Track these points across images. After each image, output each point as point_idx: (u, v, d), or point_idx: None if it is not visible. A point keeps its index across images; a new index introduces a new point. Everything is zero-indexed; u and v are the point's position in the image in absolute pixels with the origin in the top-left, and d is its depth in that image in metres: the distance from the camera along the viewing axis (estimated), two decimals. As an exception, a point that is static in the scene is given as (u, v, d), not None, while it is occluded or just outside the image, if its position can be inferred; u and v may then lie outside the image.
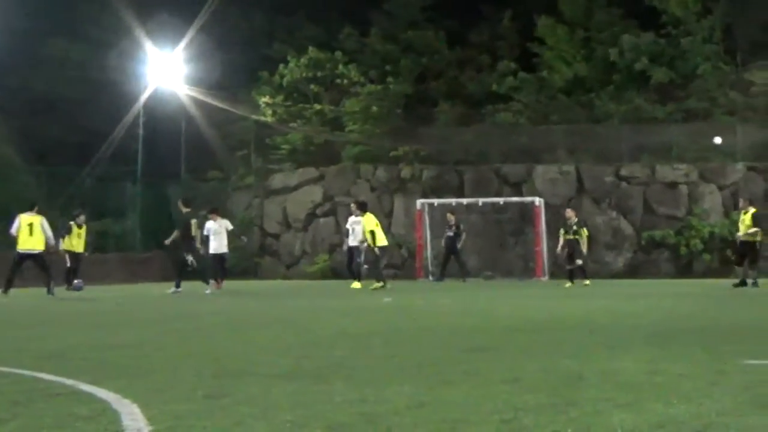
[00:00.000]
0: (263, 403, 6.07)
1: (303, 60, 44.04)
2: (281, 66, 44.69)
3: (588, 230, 30.91)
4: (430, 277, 36.38)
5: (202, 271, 28.51)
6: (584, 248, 29.80)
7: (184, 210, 27.26)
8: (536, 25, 45.44)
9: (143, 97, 41.08)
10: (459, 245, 35.29)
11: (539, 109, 43.10)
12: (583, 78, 44.16)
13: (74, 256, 28.39)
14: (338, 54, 44.57)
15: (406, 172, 40.54)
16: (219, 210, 31.10)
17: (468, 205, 38.11)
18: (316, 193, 41.72)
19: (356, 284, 29.04)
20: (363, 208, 29.57)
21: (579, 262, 29.49)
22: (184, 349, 9.99)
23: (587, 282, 29.20)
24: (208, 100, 42.56)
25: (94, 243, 36.09)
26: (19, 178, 37.27)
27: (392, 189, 40.62)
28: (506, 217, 38.77)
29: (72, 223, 28.43)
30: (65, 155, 39.82)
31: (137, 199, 40.69)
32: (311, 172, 42.18)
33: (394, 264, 39.73)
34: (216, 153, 43.90)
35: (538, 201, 37.20)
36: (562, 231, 29.99)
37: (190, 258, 26.56)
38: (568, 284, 28.75)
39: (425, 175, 40.37)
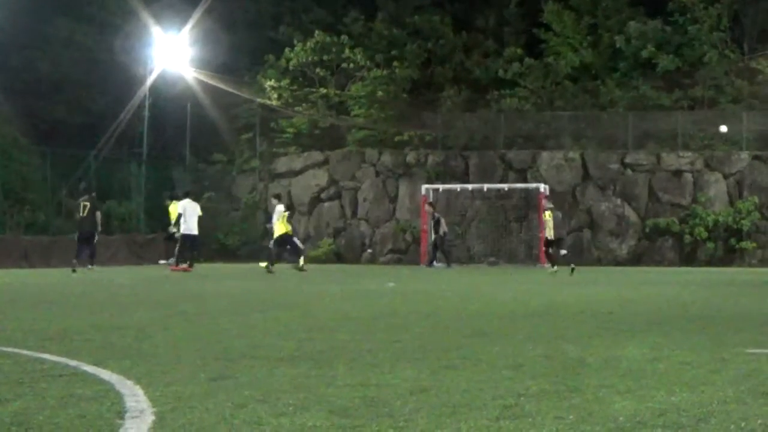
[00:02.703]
0: (266, 386, 6.08)
1: (309, 44, 43.99)
2: (287, 50, 44.64)
3: (551, 214, 29.36)
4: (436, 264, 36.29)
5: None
6: (547, 231, 29.15)
7: None
8: (543, 11, 45.35)
9: (149, 80, 40.99)
10: (441, 232, 35.17)
11: (545, 95, 43.10)
12: (589, 65, 44.10)
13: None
14: (344, 38, 44.51)
15: (411, 157, 40.54)
16: (191, 193, 32.34)
17: (473, 191, 38.13)
18: (320, 177, 41.71)
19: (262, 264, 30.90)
20: (173, 197, 33.02)
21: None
22: (187, 331, 10.01)
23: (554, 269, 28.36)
24: (214, 82, 42.52)
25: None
26: (24, 159, 37.25)
27: (397, 174, 40.63)
28: (511, 204, 38.79)
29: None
30: (70, 136, 39.79)
31: (142, 181, 40.68)
32: (316, 156, 42.17)
33: (398, 249, 39.81)
34: (221, 136, 43.86)
35: (543, 187, 37.20)
36: None
37: None
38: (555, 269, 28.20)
39: (430, 161, 40.37)
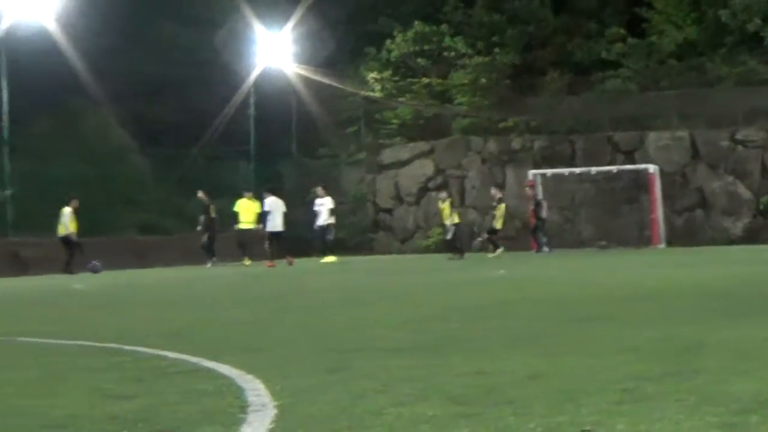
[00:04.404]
0: (383, 376, 6.12)
1: (409, 34, 43.98)
2: (388, 41, 44.69)
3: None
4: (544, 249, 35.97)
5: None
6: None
7: None
8: (644, -11, 44.68)
9: (252, 77, 41.45)
10: (543, 216, 35.30)
11: (649, 74, 42.41)
12: (693, 41, 43.30)
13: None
14: (444, 27, 44.40)
15: (516, 143, 40.34)
16: (275, 190, 33.47)
17: (581, 174, 37.84)
18: (427, 166, 41.70)
19: (328, 258, 31.80)
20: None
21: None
22: (301, 324, 10.12)
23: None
24: (317, 77, 42.78)
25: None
26: (133, 160, 37.97)
27: (503, 160, 40.44)
28: (620, 186, 38.34)
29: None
30: (177, 136, 40.35)
31: (251, 178, 41.10)
32: (422, 145, 42.18)
33: (507, 236, 39.65)
34: (326, 130, 44.13)
35: (652, 168, 36.72)
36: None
37: None
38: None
39: (536, 146, 40.09)
